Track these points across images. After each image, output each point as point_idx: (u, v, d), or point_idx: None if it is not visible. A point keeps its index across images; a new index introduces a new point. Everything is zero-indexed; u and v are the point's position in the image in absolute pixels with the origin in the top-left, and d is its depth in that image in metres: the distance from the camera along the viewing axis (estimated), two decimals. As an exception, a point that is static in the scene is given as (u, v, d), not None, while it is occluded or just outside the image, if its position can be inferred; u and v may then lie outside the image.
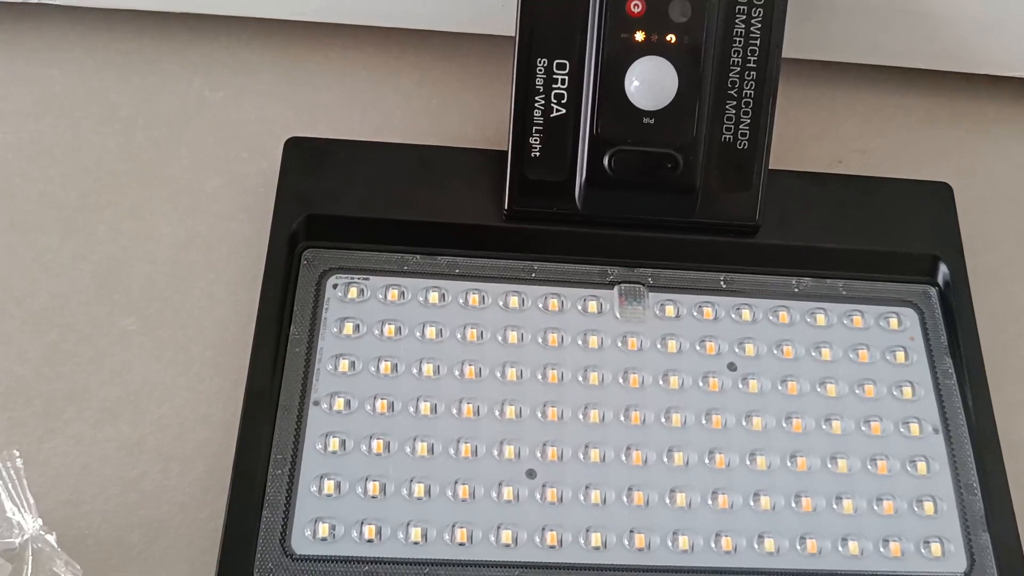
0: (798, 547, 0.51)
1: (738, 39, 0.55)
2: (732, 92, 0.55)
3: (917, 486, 0.53)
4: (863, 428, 0.54)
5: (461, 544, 0.49)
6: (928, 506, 0.52)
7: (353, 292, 0.55)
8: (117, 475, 0.52)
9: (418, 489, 0.50)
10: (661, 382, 0.54)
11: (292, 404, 0.52)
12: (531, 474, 0.51)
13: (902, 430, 0.54)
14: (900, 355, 0.56)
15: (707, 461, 0.52)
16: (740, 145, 0.56)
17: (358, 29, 0.65)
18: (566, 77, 0.55)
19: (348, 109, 0.64)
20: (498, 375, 0.53)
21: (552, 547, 0.50)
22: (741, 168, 0.56)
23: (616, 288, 0.56)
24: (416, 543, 0.49)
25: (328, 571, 0.49)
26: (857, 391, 0.55)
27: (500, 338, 0.54)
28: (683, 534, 0.50)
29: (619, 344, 0.55)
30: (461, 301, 0.55)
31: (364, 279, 0.56)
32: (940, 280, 0.58)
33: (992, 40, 0.64)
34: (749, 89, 0.55)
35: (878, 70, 0.67)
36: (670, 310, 0.56)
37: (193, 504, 0.52)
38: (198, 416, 0.54)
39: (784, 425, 0.54)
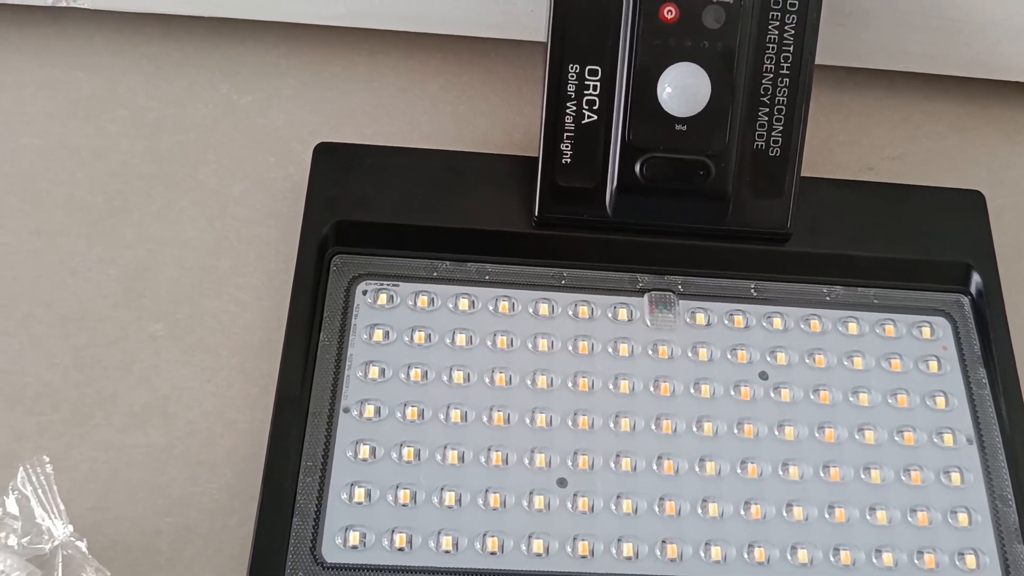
0: (832, 559, 0.50)
1: (771, 46, 0.54)
2: (765, 99, 0.55)
3: (951, 497, 0.52)
4: (896, 438, 0.53)
5: (492, 553, 0.49)
6: (962, 517, 0.52)
7: (383, 298, 0.55)
8: (146, 481, 0.52)
9: (449, 497, 0.50)
10: (692, 391, 0.54)
11: (322, 411, 0.52)
12: (562, 483, 0.51)
13: (935, 440, 0.54)
14: (933, 364, 0.55)
15: (739, 471, 0.52)
16: (772, 152, 0.56)
17: (385, 34, 0.65)
18: (598, 83, 0.54)
19: (375, 114, 0.64)
20: (528, 383, 0.53)
21: (584, 557, 0.49)
22: (773, 175, 0.56)
23: (646, 296, 0.56)
24: (447, 552, 0.49)
25: (358, 580, 0.48)
26: (890, 401, 0.54)
27: (530, 345, 0.54)
28: (715, 544, 0.50)
29: (650, 352, 0.55)
30: (491, 308, 0.55)
31: (394, 285, 0.55)
32: (973, 289, 0.58)
33: (1022, 47, 0.63)
34: (782, 96, 0.55)
35: (909, 76, 0.66)
36: (701, 318, 0.56)
37: (222, 510, 0.51)
38: (226, 422, 0.54)
39: (817, 435, 0.53)
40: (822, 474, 0.52)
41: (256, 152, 0.62)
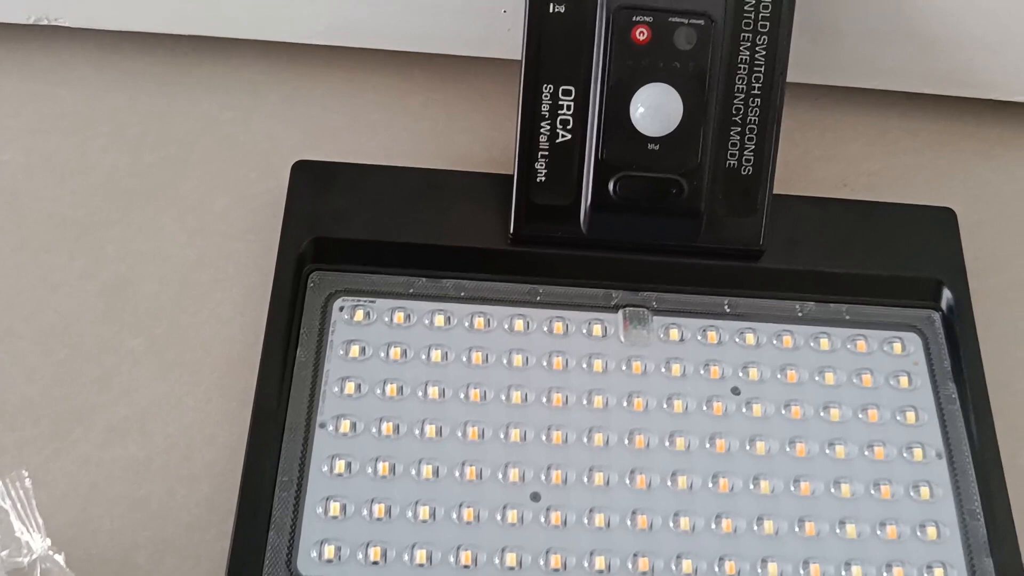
0: (801, 572, 0.51)
1: (743, 66, 0.55)
2: (736, 118, 0.56)
3: (920, 511, 0.53)
4: (866, 453, 0.54)
5: (466, 567, 0.50)
6: (931, 531, 0.52)
7: (359, 315, 0.55)
8: (124, 495, 0.52)
9: (423, 512, 0.51)
10: (665, 406, 0.54)
11: (298, 426, 0.52)
12: (535, 497, 0.52)
13: (905, 455, 0.54)
14: (904, 380, 0.56)
15: (711, 485, 0.52)
16: (744, 171, 0.56)
17: (365, 52, 0.66)
18: (572, 103, 0.55)
19: (355, 131, 0.65)
20: (503, 398, 0.54)
21: (556, 570, 0.50)
22: (745, 193, 0.57)
23: (620, 312, 0.57)
24: (421, 565, 0.50)
25: (333, 593, 0.49)
26: (861, 416, 0.55)
27: (505, 361, 0.55)
28: (687, 558, 0.51)
29: (623, 368, 0.55)
30: (467, 324, 0.56)
31: (370, 302, 0.56)
32: (944, 305, 0.58)
33: (997, 64, 0.64)
34: (753, 115, 0.56)
35: (883, 94, 0.67)
36: (674, 334, 0.56)
37: (199, 524, 0.52)
38: (205, 436, 0.54)
39: (788, 449, 0.54)
40: (793, 488, 0.53)
41: (237, 168, 0.63)
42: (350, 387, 0.53)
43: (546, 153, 0.56)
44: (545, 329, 0.56)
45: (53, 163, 0.62)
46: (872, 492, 0.53)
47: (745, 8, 0.54)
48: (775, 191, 0.57)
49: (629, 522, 0.51)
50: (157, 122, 0.64)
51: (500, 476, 0.52)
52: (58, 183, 0.62)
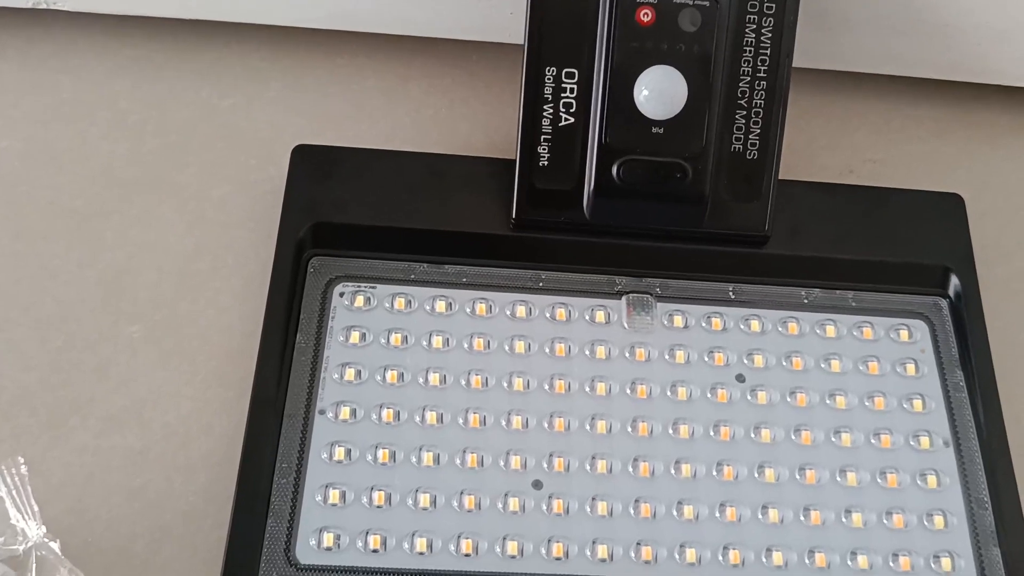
0: (807, 561, 0.50)
1: (748, 48, 0.54)
2: (742, 101, 0.55)
3: (927, 500, 0.52)
4: (873, 441, 0.53)
5: (466, 555, 0.49)
6: (938, 520, 0.52)
7: (360, 300, 0.55)
8: (121, 484, 0.52)
9: (423, 499, 0.50)
10: (669, 393, 0.54)
11: (297, 413, 0.52)
12: (537, 485, 0.51)
13: (912, 443, 0.54)
14: (911, 367, 0.55)
15: (715, 473, 0.52)
16: (750, 155, 0.56)
17: (367, 36, 0.65)
18: (575, 86, 0.55)
19: (357, 117, 0.64)
20: (505, 385, 0.53)
21: (558, 559, 0.49)
22: (750, 178, 0.56)
23: (624, 298, 0.56)
24: (421, 553, 0.49)
25: (332, 581, 0.48)
26: (867, 403, 0.54)
27: (507, 348, 0.54)
28: (690, 546, 0.50)
29: (627, 355, 0.55)
30: (468, 310, 0.55)
31: (371, 287, 0.55)
32: (951, 292, 0.58)
33: (1005, 50, 0.64)
34: (759, 99, 0.55)
35: (890, 80, 0.66)
36: (678, 320, 0.56)
37: (197, 513, 0.51)
38: (203, 425, 0.54)
39: (793, 437, 0.53)
40: (798, 476, 0.52)
41: (237, 155, 0.62)
42: (350, 373, 0.53)
43: (549, 137, 0.55)
44: (547, 315, 0.55)
45: (52, 151, 0.62)
46: (878, 481, 0.52)
47: (750, -10, 0.54)
48: (780, 177, 0.56)
49: (632, 510, 0.51)
50: (157, 109, 0.64)
51: (501, 463, 0.51)
52: (57, 171, 0.61)
